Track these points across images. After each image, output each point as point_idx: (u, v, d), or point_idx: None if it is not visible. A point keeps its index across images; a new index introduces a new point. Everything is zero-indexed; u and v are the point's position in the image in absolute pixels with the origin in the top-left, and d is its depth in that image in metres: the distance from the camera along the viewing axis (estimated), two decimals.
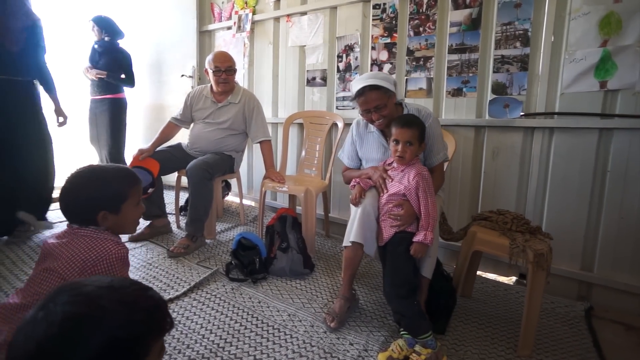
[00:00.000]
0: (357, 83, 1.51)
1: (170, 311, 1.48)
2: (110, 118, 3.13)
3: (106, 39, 3.07)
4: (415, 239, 1.33)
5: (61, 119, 2.45)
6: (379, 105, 1.48)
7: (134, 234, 2.27)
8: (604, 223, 1.74)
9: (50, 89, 2.37)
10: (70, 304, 0.47)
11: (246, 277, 1.82)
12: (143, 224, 2.36)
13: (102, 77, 3.00)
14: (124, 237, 2.27)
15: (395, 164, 1.45)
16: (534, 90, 1.84)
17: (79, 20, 4.17)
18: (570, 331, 1.54)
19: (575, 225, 1.79)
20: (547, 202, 1.85)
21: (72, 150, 4.53)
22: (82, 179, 0.92)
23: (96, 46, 3.08)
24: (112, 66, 3.04)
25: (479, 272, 1.90)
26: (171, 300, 1.60)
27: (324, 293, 1.75)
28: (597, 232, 1.76)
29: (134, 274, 1.83)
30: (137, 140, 3.49)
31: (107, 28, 3.06)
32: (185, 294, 1.66)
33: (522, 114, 1.86)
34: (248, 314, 1.53)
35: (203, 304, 1.59)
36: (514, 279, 2.00)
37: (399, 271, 1.34)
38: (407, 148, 1.37)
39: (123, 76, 3.10)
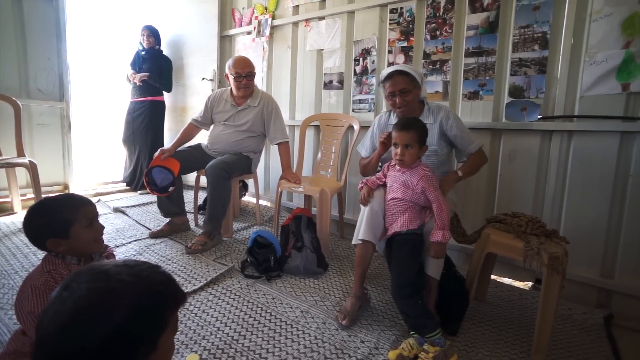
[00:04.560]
0: (387, 69, 1.66)
1: (188, 304, 1.55)
2: (150, 119, 3.34)
3: (156, 47, 3.33)
4: (433, 239, 1.34)
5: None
6: (404, 89, 1.59)
7: (154, 231, 2.36)
8: (626, 229, 1.69)
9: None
10: (93, 281, 0.51)
11: (261, 274, 1.86)
12: (163, 221, 2.45)
13: (145, 79, 3.21)
14: (144, 233, 2.36)
15: (397, 166, 1.47)
16: (552, 93, 1.82)
17: (112, 27, 4.41)
18: (587, 339, 1.51)
19: (594, 231, 1.75)
20: (565, 206, 1.82)
21: (106, 149, 4.76)
22: (29, 213, 0.99)
23: (143, 53, 3.32)
24: (154, 71, 3.28)
25: (493, 277, 1.88)
26: (188, 294, 1.65)
27: (337, 292, 1.77)
28: (619, 238, 1.71)
29: None
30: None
31: (157, 36, 3.33)
32: (201, 288, 1.72)
33: (539, 117, 1.84)
34: (262, 310, 1.57)
35: (219, 299, 1.64)
36: (530, 284, 1.97)
37: (403, 272, 1.36)
38: (405, 151, 1.40)
39: (162, 80, 3.34)
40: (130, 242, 2.22)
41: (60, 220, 0.97)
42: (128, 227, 2.49)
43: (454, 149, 1.76)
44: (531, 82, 1.85)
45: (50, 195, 1.10)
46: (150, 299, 0.52)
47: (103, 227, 1.07)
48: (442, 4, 2.08)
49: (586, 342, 1.49)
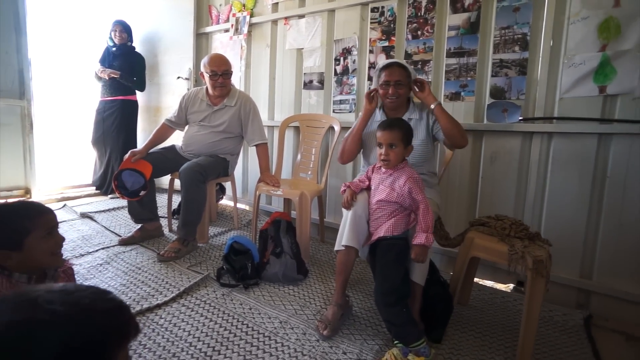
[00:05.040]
0: (386, 60, 1.73)
1: (157, 317, 1.44)
2: (121, 119, 3.18)
3: (129, 43, 3.20)
4: (415, 241, 1.29)
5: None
6: (400, 81, 1.60)
7: (124, 237, 2.22)
8: (603, 230, 1.71)
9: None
10: (14, 312, 0.40)
11: (238, 282, 1.77)
12: (134, 227, 2.32)
13: (115, 77, 3.05)
14: (111, 241, 2.22)
15: (383, 168, 1.42)
16: (532, 95, 1.82)
17: (82, 23, 4.19)
18: (569, 341, 1.50)
19: (574, 232, 1.76)
20: (546, 208, 1.82)
21: (74, 150, 4.51)
22: None
23: (114, 49, 3.14)
24: (126, 69, 3.11)
25: (475, 279, 1.85)
26: (159, 306, 1.55)
27: (318, 299, 1.70)
28: (596, 238, 1.73)
29: (121, 278, 1.78)
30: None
31: (130, 32, 3.18)
32: (173, 299, 1.61)
33: (520, 118, 1.83)
34: (238, 321, 1.48)
35: (192, 310, 1.54)
36: (511, 286, 1.96)
37: (387, 279, 1.31)
38: (390, 151, 1.36)
39: (134, 79, 3.19)
40: (97, 250, 2.07)
41: (14, 229, 0.86)
42: (96, 234, 2.34)
43: (438, 144, 1.77)
44: (512, 84, 1.84)
45: (9, 200, 0.98)
46: (88, 334, 0.42)
47: (63, 239, 0.96)
48: (424, 4, 2.06)
49: (568, 344, 1.48)
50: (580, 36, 1.69)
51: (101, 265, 1.90)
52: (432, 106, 1.59)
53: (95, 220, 2.59)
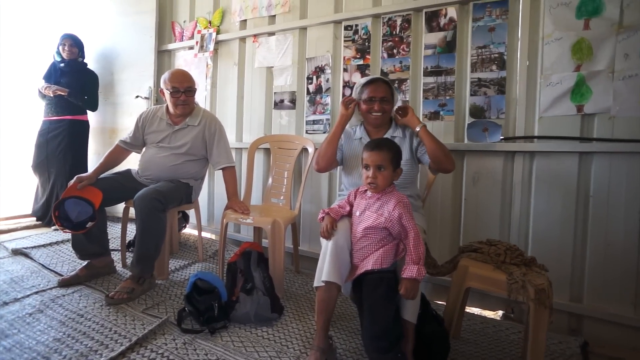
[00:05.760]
0: (368, 77, 1.65)
1: None
2: (69, 141, 2.86)
3: (80, 59, 2.95)
4: (405, 274, 1.15)
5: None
6: (385, 97, 1.55)
7: (66, 277, 1.90)
8: (590, 251, 1.66)
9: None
10: None
11: (202, 326, 1.52)
12: (79, 263, 2.00)
13: (63, 94, 2.75)
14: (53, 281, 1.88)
15: (369, 192, 1.29)
16: (512, 114, 1.79)
17: (25, 37, 3.83)
18: None
19: (561, 254, 1.69)
20: (532, 229, 1.75)
21: (9, 176, 4.00)
22: None
23: (62, 65, 2.86)
24: (76, 87, 2.84)
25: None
26: None
27: (296, 342, 1.48)
28: (584, 260, 1.67)
29: (56, 330, 1.46)
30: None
31: (81, 48, 2.94)
32: (122, 354, 1.33)
33: (501, 137, 1.79)
34: None
35: None
36: (500, 312, 1.85)
37: (377, 320, 1.14)
38: (378, 173, 1.23)
39: (85, 98, 2.92)
40: (28, 296, 1.73)
41: None
42: (30, 275, 1.99)
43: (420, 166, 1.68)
44: (491, 103, 1.80)
45: None
46: None
47: None
48: (399, 22, 2.02)
49: None
50: (555, 56, 1.69)
51: (31, 314, 1.57)
52: (417, 129, 1.50)
53: (30, 257, 2.22)
